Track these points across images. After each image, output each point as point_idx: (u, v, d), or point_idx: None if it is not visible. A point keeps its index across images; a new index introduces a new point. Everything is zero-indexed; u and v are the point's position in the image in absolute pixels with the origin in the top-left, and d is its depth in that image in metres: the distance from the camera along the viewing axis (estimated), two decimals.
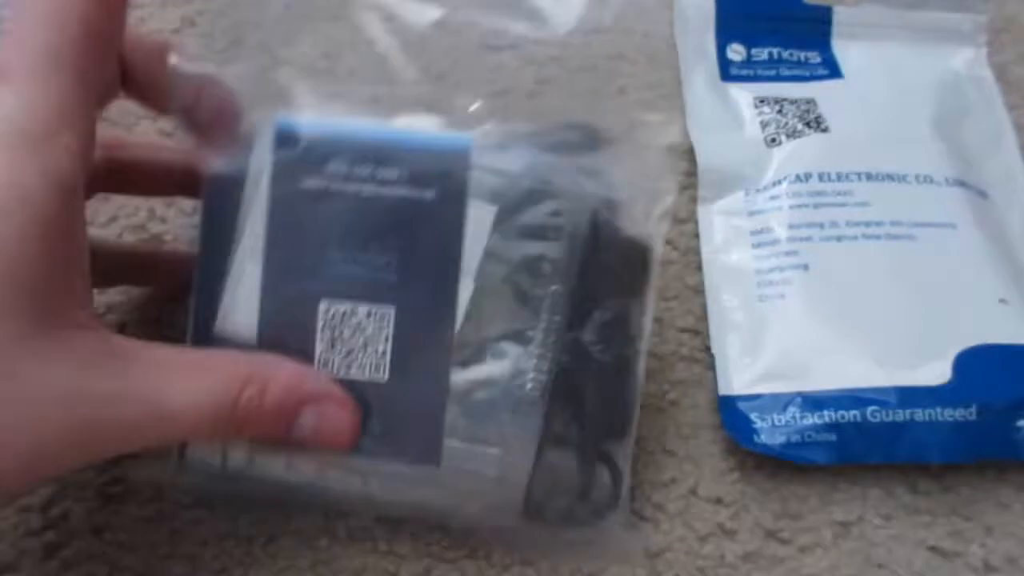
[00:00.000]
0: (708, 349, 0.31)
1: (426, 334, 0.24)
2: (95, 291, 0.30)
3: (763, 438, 0.28)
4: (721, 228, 0.32)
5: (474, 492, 0.25)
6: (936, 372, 0.29)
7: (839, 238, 0.31)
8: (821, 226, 0.31)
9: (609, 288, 0.25)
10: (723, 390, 0.29)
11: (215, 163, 0.24)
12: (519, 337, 0.24)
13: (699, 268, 0.32)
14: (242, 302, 0.24)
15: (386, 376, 0.24)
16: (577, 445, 0.25)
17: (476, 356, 0.24)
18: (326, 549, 0.28)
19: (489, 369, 0.24)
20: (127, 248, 0.31)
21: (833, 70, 0.35)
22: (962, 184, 0.32)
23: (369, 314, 0.24)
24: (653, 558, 0.28)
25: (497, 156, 0.24)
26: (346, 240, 0.24)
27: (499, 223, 0.24)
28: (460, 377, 0.24)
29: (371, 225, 0.24)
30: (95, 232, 0.32)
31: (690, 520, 0.28)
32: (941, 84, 0.35)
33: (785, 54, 0.35)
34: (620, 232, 0.25)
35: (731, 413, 0.29)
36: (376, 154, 0.24)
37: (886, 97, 0.34)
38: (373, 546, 0.28)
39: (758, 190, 0.32)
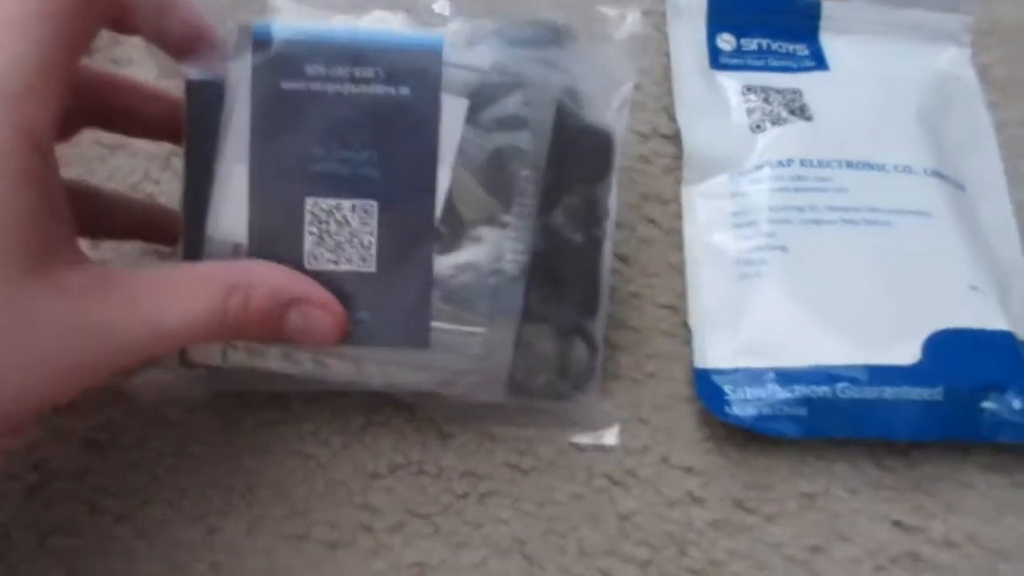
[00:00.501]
0: (686, 325, 0.31)
1: (409, 224, 0.25)
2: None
3: (735, 410, 0.29)
4: (704, 209, 0.33)
5: (462, 371, 0.26)
6: (906, 353, 0.29)
7: (817, 222, 0.31)
8: (800, 209, 0.32)
9: (575, 174, 0.27)
10: (699, 363, 0.30)
11: (194, 72, 0.25)
12: (495, 222, 0.26)
13: (681, 247, 0.33)
14: (231, 204, 0.25)
15: (374, 267, 0.25)
16: (554, 321, 0.27)
17: (456, 243, 0.25)
18: (303, 500, 0.28)
19: (469, 254, 0.25)
20: (149, 205, 0.32)
21: (820, 62, 0.36)
22: (940, 176, 0.33)
23: (354, 208, 0.25)
24: (623, 521, 0.28)
25: (466, 52, 0.26)
26: (328, 138, 0.25)
27: (471, 115, 0.25)
28: (443, 263, 0.25)
29: (351, 123, 0.25)
30: (109, 185, 0.33)
31: (661, 486, 0.29)
32: (925, 80, 0.36)
33: (774, 45, 0.36)
34: (583, 120, 0.27)
35: (706, 385, 0.30)
36: (352, 54, 0.25)
37: (870, 90, 0.35)
38: (348, 498, 0.28)
39: (741, 173, 0.33)
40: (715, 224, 0.32)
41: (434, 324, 0.25)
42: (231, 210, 0.25)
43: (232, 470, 0.28)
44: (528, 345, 0.27)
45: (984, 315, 0.30)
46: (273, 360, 0.26)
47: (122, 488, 0.28)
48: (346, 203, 0.25)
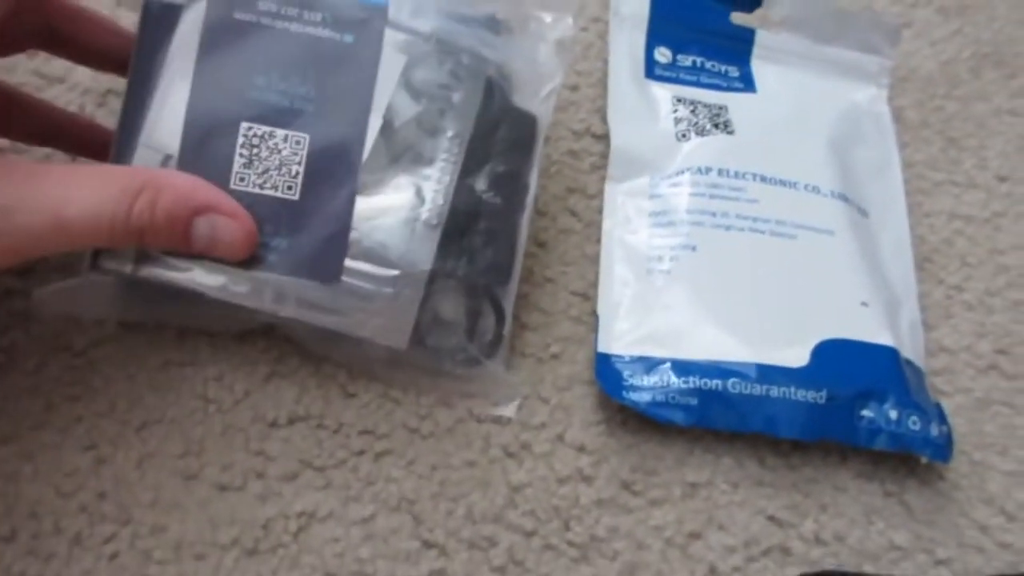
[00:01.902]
0: (595, 313, 0.33)
1: (336, 161, 0.26)
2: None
3: (631, 395, 0.30)
4: (624, 206, 0.34)
5: (370, 310, 0.27)
6: (795, 356, 0.31)
7: (727, 227, 0.33)
8: (713, 214, 0.33)
9: (500, 146, 0.28)
10: (601, 348, 0.31)
11: None
12: (419, 174, 0.27)
13: (598, 240, 0.34)
14: (168, 117, 0.26)
15: (297, 195, 0.26)
16: (465, 278, 0.28)
17: (379, 187, 0.27)
18: (198, 441, 0.28)
19: (391, 198, 0.27)
20: (69, 115, 0.32)
21: (748, 84, 0.38)
22: (845, 199, 0.35)
23: (286, 138, 0.26)
24: (513, 492, 0.29)
25: (410, 18, 0.27)
26: (270, 69, 0.26)
27: (407, 72, 0.27)
28: (364, 204, 0.26)
29: (294, 58, 0.26)
30: (42, 93, 0.33)
31: (553, 462, 0.30)
32: (842, 112, 0.38)
33: (708, 64, 0.38)
34: (511, 100, 0.29)
35: (605, 368, 0.31)
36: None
37: (790, 114, 0.37)
38: (245, 444, 0.28)
39: (663, 177, 0.34)
40: (633, 221, 0.34)
41: (348, 262, 0.26)
42: (167, 123, 0.26)
43: (130, 405, 0.28)
44: (438, 299, 0.27)
45: (871, 329, 0.32)
46: (183, 276, 0.26)
47: (15, 411, 0.28)
48: (280, 132, 0.26)
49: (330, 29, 0.27)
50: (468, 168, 0.27)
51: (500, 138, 0.28)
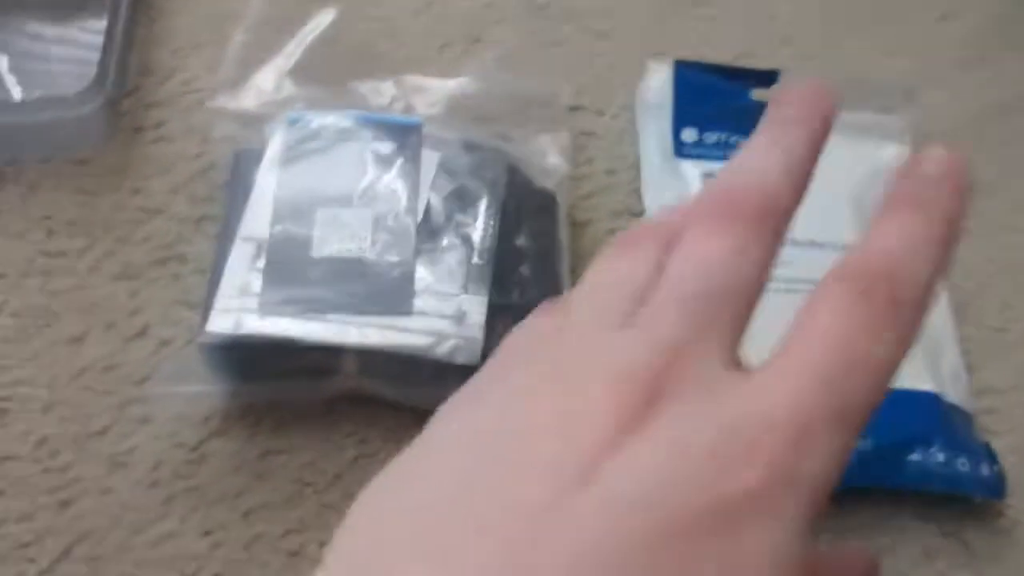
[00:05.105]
0: None
1: (397, 225, 0.33)
2: None
3: None
4: None
5: (443, 333, 0.32)
6: None
7: (764, 290, 0.35)
8: None
9: (528, 212, 0.36)
10: None
11: (238, 148, 0.35)
12: (465, 228, 0.34)
13: None
14: (259, 212, 0.34)
15: (368, 253, 0.33)
16: (519, 308, 0.32)
17: (434, 240, 0.34)
18: (298, 520, 0.32)
19: (445, 248, 0.34)
20: None
21: None
22: None
23: (353, 215, 0.33)
24: None
25: (439, 131, 0.36)
26: (336, 172, 0.34)
27: (443, 165, 0.35)
28: (423, 254, 0.33)
29: (354, 163, 0.34)
30: (143, 225, 0.38)
31: None
32: (866, 172, 0.40)
33: (732, 139, 0.41)
34: (529, 180, 0.36)
35: None
36: (355, 127, 0.35)
37: (817, 179, 0.39)
38: (339, 520, 0.31)
39: None
40: None
41: (416, 301, 0.32)
42: (259, 217, 0.34)
43: (238, 492, 0.32)
44: (500, 329, 0.32)
45: (911, 377, 0.34)
46: (282, 327, 0.31)
47: (141, 505, 0.32)
48: (347, 211, 0.33)
49: (378, 142, 0.35)
50: (505, 231, 0.34)
51: (527, 206, 0.36)
